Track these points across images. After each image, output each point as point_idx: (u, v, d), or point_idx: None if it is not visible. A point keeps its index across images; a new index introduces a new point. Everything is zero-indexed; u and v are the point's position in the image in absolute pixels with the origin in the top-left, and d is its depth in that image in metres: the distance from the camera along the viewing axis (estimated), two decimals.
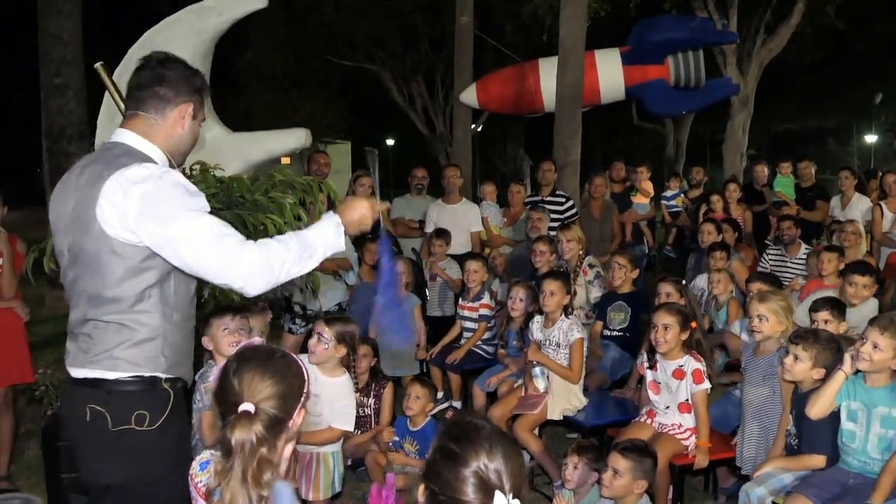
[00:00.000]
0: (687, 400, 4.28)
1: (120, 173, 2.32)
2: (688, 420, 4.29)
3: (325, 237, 2.49)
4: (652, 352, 4.48)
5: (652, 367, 4.47)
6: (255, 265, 2.32)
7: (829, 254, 6.02)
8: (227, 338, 3.67)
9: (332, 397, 4.02)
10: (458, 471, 1.60)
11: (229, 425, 1.87)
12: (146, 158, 2.41)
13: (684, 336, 4.33)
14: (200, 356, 4.07)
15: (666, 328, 4.30)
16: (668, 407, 4.36)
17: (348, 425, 4.14)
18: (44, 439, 4.18)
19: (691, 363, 4.28)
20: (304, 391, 2.01)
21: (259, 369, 1.95)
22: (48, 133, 10.02)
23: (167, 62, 2.50)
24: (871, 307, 5.25)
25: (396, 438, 5.00)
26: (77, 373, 2.44)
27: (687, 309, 4.62)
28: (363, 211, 2.62)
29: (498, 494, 1.57)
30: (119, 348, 2.38)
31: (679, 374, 4.31)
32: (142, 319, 2.38)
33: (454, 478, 1.60)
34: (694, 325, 4.42)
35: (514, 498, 1.59)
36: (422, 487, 1.68)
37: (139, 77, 2.49)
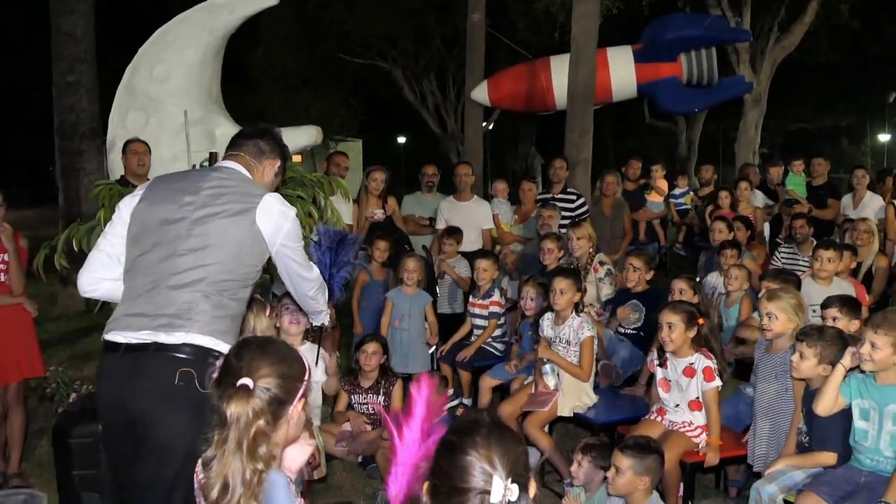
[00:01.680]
0: (697, 398, 4.26)
1: (279, 197, 2.96)
2: (698, 418, 4.27)
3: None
4: (662, 350, 4.46)
5: (662, 364, 4.46)
6: (318, 286, 3.25)
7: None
8: None
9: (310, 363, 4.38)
10: (456, 459, 1.63)
11: (225, 398, 1.89)
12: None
13: (691, 333, 4.30)
14: None
15: (671, 327, 4.28)
16: (678, 405, 4.34)
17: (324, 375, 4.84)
18: (55, 437, 4.19)
19: (702, 361, 4.26)
20: (305, 377, 2.04)
21: (259, 351, 1.99)
22: (60, 131, 10.04)
23: (269, 128, 3.19)
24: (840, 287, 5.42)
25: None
26: (168, 338, 2.66)
27: (700, 306, 4.60)
28: None
29: (495, 479, 1.59)
30: (215, 319, 2.74)
31: (689, 371, 4.28)
32: (239, 302, 2.86)
33: (452, 467, 1.63)
34: (701, 321, 4.39)
35: (512, 483, 1.60)
36: (426, 485, 1.71)
37: (244, 131, 3.16)
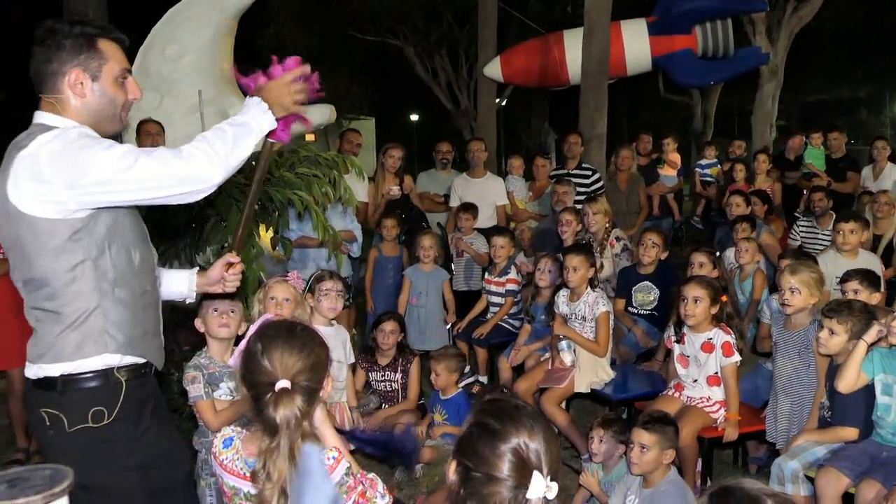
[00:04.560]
0: (716, 373, 4.24)
1: (26, 147, 2.16)
2: (716, 393, 4.25)
3: (252, 116, 2.32)
4: (679, 325, 4.43)
5: (679, 340, 4.43)
6: (201, 158, 2.16)
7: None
8: (216, 319, 3.55)
9: (339, 344, 4.61)
10: (497, 447, 1.56)
11: (271, 405, 1.87)
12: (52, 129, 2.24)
13: (714, 309, 4.28)
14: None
15: (696, 301, 4.25)
16: (696, 380, 4.33)
17: (353, 357, 4.85)
18: None
19: (720, 336, 4.23)
20: (330, 360, 2.04)
21: (286, 346, 1.95)
22: None
23: (49, 34, 2.25)
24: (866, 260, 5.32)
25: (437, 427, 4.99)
26: (29, 371, 2.32)
27: (720, 281, 4.57)
28: (283, 91, 2.39)
29: (536, 474, 1.53)
30: (60, 336, 2.24)
31: (708, 346, 4.26)
32: (75, 300, 2.23)
33: (491, 454, 1.55)
34: (724, 298, 4.37)
35: (551, 480, 1.54)
36: (453, 464, 1.63)
37: (33, 59, 2.29)
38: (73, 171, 2.10)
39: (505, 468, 1.53)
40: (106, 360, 2.28)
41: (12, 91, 27.15)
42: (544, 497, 1.53)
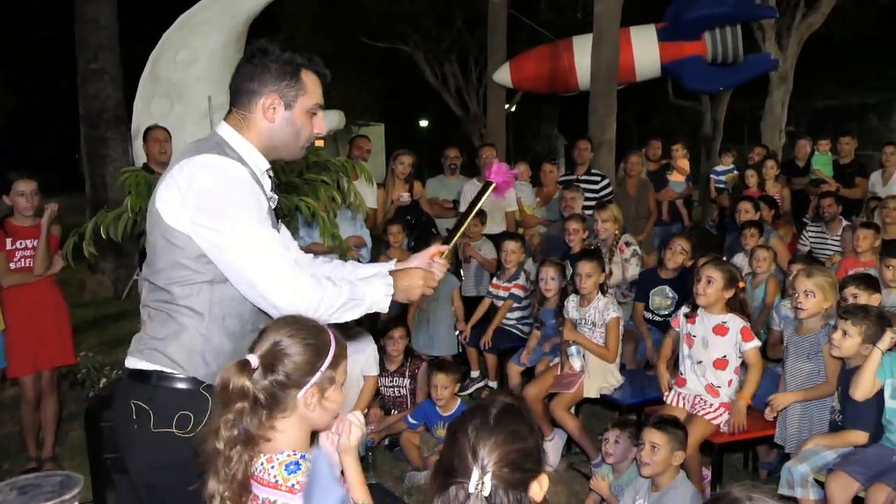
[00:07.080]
0: (724, 356, 4.21)
1: (189, 160, 2.21)
2: (722, 377, 4.21)
3: (374, 295, 2.33)
4: (695, 308, 4.38)
5: (689, 319, 4.39)
6: (304, 294, 2.16)
7: (864, 230, 5.81)
8: None
9: (358, 349, 4.78)
10: (453, 440, 1.66)
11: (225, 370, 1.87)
12: (228, 151, 2.28)
13: (727, 294, 4.25)
14: None
15: (710, 281, 4.22)
16: (700, 362, 4.27)
17: (375, 369, 5.01)
18: (86, 421, 4.25)
19: (737, 321, 4.21)
20: (321, 368, 1.91)
21: (280, 329, 1.93)
22: (85, 118, 10.13)
23: (259, 53, 2.32)
24: None
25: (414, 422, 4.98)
26: (128, 362, 2.32)
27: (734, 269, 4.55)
28: (416, 283, 2.46)
29: (474, 469, 1.59)
30: (161, 340, 2.25)
31: (720, 329, 4.23)
32: (186, 314, 2.24)
33: (450, 447, 1.66)
34: (741, 284, 4.34)
35: (491, 478, 1.57)
36: (436, 459, 1.76)
37: (237, 73, 2.36)
38: (210, 217, 2.14)
39: (455, 461, 1.63)
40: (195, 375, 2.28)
41: (28, 95, 27.41)
42: (480, 494, 1.57)
